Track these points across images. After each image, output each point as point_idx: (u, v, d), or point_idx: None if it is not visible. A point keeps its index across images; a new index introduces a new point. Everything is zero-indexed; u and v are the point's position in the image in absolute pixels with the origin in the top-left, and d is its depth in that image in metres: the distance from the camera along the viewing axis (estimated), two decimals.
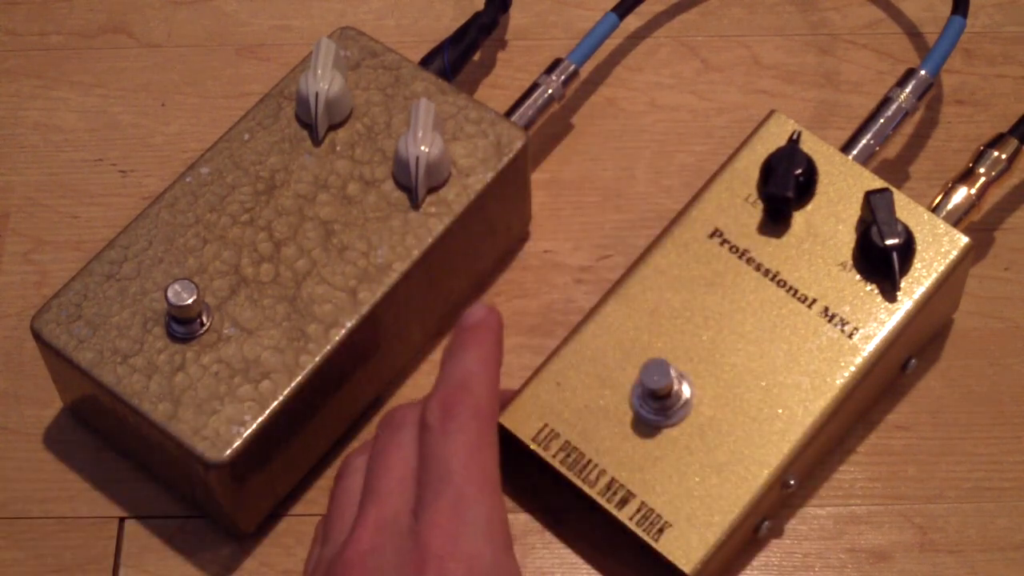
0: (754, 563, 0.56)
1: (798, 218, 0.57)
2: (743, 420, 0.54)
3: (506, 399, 0.56)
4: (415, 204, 0.58)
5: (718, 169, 0.59)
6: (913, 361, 0.58)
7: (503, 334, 0.54)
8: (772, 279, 0.56)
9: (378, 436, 0.53)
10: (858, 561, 0.56)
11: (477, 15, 0.67)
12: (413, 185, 0.58)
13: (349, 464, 0.53)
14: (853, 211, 0.57)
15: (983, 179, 0.60)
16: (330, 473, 0.59)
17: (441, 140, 0.58)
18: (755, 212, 0.58)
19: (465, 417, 0.50)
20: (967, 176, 0.60)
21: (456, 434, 0.50)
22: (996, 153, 0.60)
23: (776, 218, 0.57)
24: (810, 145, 0.58)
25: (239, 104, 0.67)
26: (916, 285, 0.56)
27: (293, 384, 0.54)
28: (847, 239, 0.57)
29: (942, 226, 0.57)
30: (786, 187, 0.57)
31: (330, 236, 0.57)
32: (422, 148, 0.57)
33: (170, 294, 0.54)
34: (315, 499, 0.58)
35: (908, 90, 0.61)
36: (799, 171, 0.57)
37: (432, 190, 0.58)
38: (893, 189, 0.56)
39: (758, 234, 0.57)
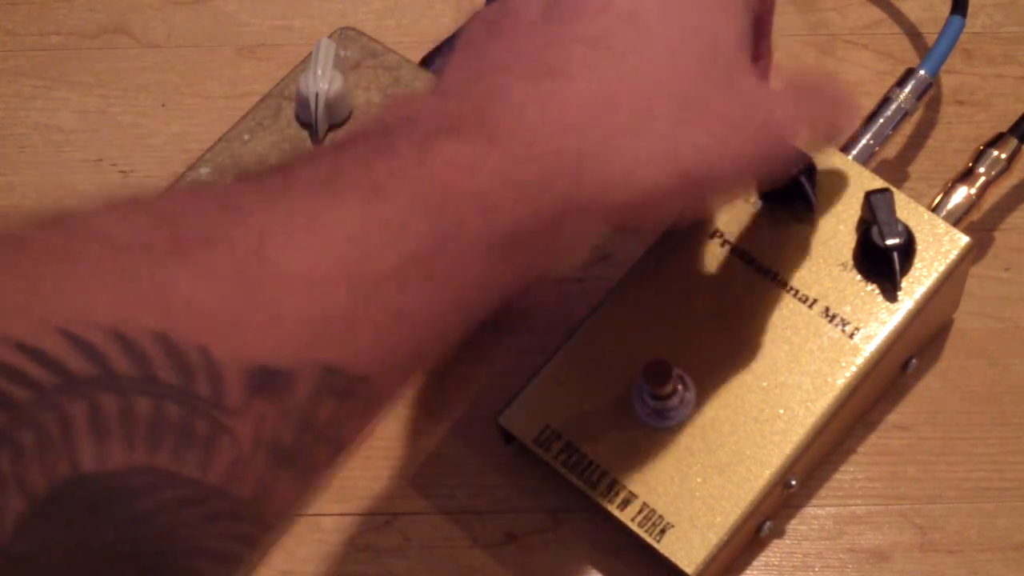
0: (755, 563, 0.56)
1: (798, 218, 0.57)
2: (744, 421, 0.54)
3: (507, 400, 0.56)
4: None
5: None
6: (913, 361, 0.58)
7: None
8: (772, 279, 0.56)
9: None
10: (858, 561, 0.56)
11: None
12: None
13: None
14: (853, 211, 0.57)
15: (983, 179, 0.60)
16: None
17: None
18: (755, 212, 0.58)
19: None
20: (967, 176, 0.60)
21: None
22: (996, 153, 0.60)
23: (776, 218, 0.57)
24: None
25: (239, 104, 0.67)
26: (917, 285, 0.56)
27: None
28: (847, 239, 0.57)
29: (942, 226, 0.57)
30: (786, 187, 0.56)
31: None
32: None
33: None
34: (312, 500, 0.58)
35: (907, 90, 0.61)
36: (799, 171, 0.57)
37: None
38: (893, 189, 0.56)
39: (758, 234, 0.57)
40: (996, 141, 0.60)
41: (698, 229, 0.58)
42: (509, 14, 0.45)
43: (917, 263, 0.56)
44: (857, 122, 0.59)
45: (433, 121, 0.41)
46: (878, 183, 0.57)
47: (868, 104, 0.62)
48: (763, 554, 0.57)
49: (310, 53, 0.61)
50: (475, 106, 0.42)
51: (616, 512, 0.54)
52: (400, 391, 0.41)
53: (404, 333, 0.39)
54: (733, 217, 0.58)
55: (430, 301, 0.39)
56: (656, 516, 0.53)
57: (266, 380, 0.36)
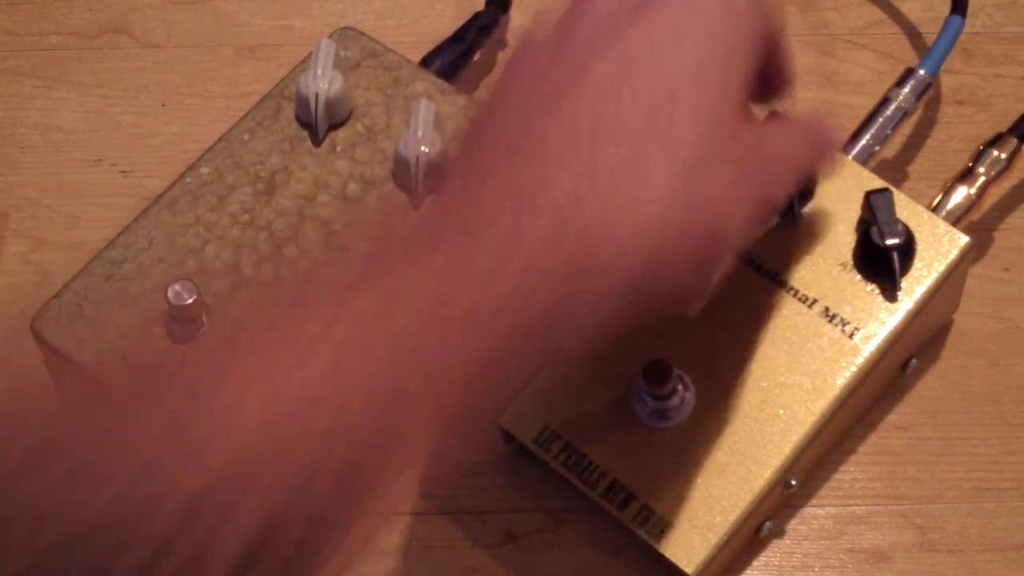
0: (754, 563, 0.56)
1: (796, 219, 0.57)
2: (744, 421, 0.54)
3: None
4: (415, 204, 0.58)
5: None
6: (913, 361, 0.58)
7: None
8: (772, 280, 0.56)
9: None
10: (858, 561, 0.56)
11: (477, 15, 0.67)
12: (413, 185, 0.58)
13: None
14: (853, 211, 0.57)
15: (983, 178, 0.60)
16: None
17: (441, 140, 0.58)
18: None
19: None
20: (967, 176, 0.60)
21: None
22: (996, 152, 0.60)
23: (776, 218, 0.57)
24: None
25: (239, 104, 0.67)
26: (916, 285, 0.56)
27: None
28: (847, 239, 0.57)
29: (942, 226, 0.57)
30: None
31: (330, 236, 0.57)
32: (422, 148, 0.57)
33: (170, 294, 0.54)
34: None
35: (907, 90, 0.61)
36: None
37: (432, 190, 0.58)
38: (893, 189, 0.56)
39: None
40: (996, 141, 0.61)
41: None
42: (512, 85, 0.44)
43: (917, 263, 0.56)
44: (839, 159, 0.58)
45: (422, 232, 0.41)
46: (878, 183, 0.57)
47: (868, 104, 0.62)
48: (763, 554, 0.57)
49: (310, 53, 0.61)
50: (466, 201, 0.41)
51: (616, 512, 0.54)
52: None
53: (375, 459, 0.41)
54: None
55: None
56: (656, 516, 0.53)
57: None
